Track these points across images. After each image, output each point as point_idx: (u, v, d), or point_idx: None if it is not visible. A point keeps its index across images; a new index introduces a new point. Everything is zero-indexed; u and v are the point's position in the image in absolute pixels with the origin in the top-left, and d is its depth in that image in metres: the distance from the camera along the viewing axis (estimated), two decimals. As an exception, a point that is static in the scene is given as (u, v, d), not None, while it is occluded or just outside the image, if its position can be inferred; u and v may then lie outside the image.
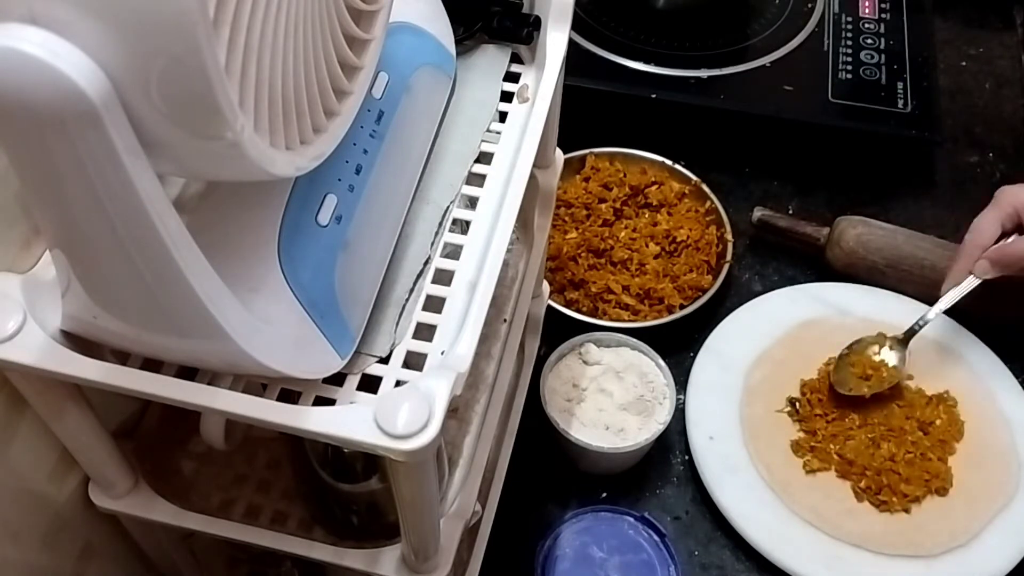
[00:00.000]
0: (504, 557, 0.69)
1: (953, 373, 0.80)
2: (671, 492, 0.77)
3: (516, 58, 0.55)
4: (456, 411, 0.58)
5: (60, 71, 0.26)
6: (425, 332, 0.45)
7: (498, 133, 0.52)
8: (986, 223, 0.76)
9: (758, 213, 0.90)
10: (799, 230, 0.90)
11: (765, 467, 0.75)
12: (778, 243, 0.91)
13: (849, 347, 0.80)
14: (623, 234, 0.88)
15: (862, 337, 0.80)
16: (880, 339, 0.80)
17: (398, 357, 0.44)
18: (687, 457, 0.78)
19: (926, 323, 0.79)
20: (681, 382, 0.80)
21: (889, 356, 0.79)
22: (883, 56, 0.98)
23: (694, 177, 0.91)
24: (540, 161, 0.60)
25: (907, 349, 0.79)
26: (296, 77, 0.34)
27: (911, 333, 0.80)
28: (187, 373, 0.41)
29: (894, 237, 0.86)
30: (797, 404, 0.78)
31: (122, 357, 0.43)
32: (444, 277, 0.46)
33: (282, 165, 0.34)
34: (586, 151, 0.92)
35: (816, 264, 0.90)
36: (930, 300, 0.85)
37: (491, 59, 0.55)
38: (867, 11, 1.03)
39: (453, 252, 0.48)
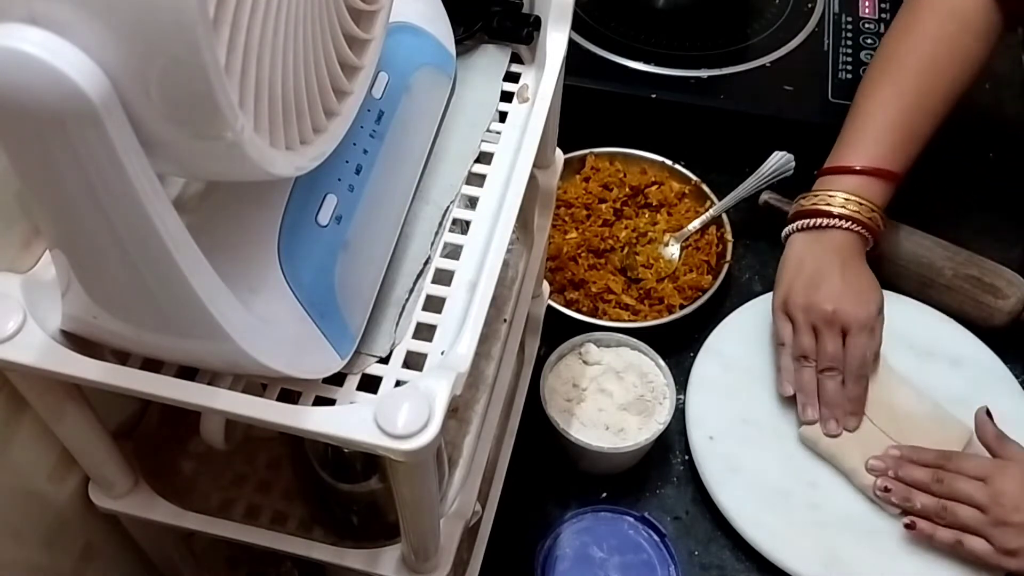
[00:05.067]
0: (504, 557, 0.69)
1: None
2: (671, 492, 0.77)
3: (516, 58, 0.55)
4: (456, 411, 0.58)
5: (60, 71, 0.26)
6: (425, 332, 0.45)
7: (498, 133, 0.52)
8: (867, 355, 0.75)
9: (765, 196, 0.90)
10: None
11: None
12: (782, 229, 0.91)
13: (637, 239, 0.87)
14: (623, 234, 0.88)
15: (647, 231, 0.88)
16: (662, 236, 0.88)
17: (398, 357, 0.44)
18: (687, 457, 0.78)
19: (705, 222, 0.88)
20: (681, 382, 0.80)
21: (668, 251, 0.87)
22: (883, 56, 0.97)
23: (694, 177, 0.91)
24: (540, 161, 0.60)
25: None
26: (296, 77, 0.34)
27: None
28: (187, 373, 0.41)
29: (895, 232, 0.86)
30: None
31: (122, 357, 0.43)
32: (444, 277, 0.46)
33: (282, 165, 0.34)
34: (586, 151, 0.92)
35: (816, 264, 0.90)
36: (926, 298, 0.85)
37: (491, 59, 0.55)
38: (867, 11, 1.03)
39: (453, 252, 0.48)
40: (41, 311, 0.41)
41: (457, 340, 0.42)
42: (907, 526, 0.71)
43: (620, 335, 0.78)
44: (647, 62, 0.97)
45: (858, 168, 0.77)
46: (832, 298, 0.75)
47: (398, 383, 0.43)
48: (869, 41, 0.99)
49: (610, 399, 0.75)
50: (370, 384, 0.43)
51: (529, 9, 0.54)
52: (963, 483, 0.70)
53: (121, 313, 0.38)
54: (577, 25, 1.00)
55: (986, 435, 0.74)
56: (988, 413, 0.74)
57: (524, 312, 0.67)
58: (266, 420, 0.39)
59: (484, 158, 0.51)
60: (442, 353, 0.43)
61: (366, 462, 0.50)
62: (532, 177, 0.60)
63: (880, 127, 0.78)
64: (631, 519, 0.72)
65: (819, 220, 0.77)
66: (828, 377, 0.75)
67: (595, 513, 0.73)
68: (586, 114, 0.88)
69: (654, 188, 0.91)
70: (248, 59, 0.30)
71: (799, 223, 0.79)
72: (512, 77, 0.54)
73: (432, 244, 0.48)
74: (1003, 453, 0.73)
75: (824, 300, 0.75)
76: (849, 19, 1.02)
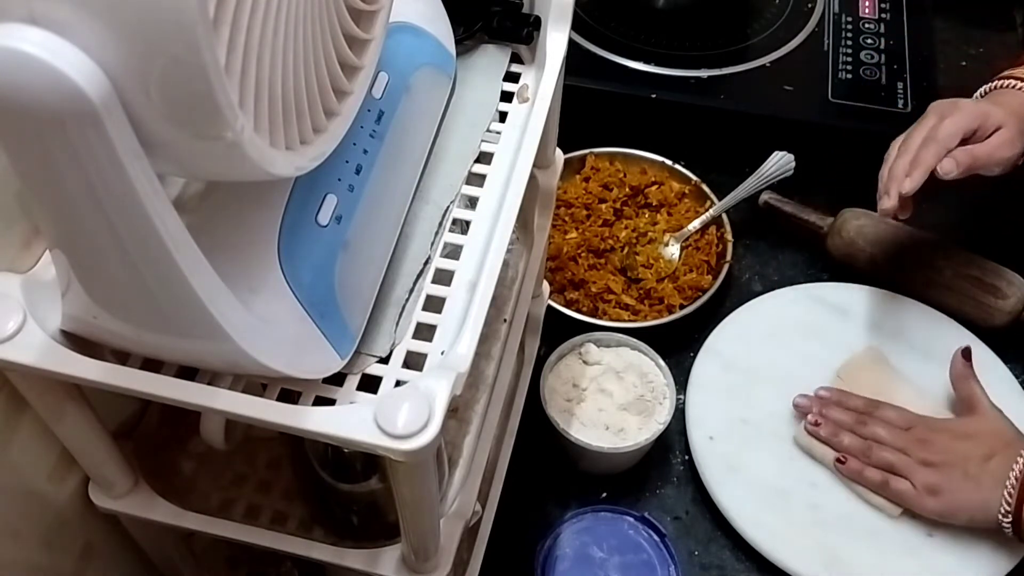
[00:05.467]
0: (504, 557, 0.69)
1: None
2: (671, 492, 0.77)
3: (516, 58, 0.55)
4: (456, 411, 0.58)
5: (60, 71, 0.26)
6: (425, 332, 0.45)
7: (498, 133, 0.52)
8: (954, 128, 0.72)
9: (765, 196, 0.91)
10: (803, 217, 0.90)
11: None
12: (782, 228, 0.91)
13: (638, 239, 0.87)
14: (623, 234, 0.88)
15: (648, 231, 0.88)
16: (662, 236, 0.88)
17: (398, 357, 0.44)
18: (687, 457, 0.78)
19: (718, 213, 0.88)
20: (681, 382, 0.80)
21: (668, 251, 0.87)
22: (883, 56, 0.97)
23: (694, 177, 0.91)
24: (540, 161, 0.60)
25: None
26: (296, 77, 0.34)
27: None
28: (187, 373, 0.41)
29: (896, 232, 0.87)
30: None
31: (122, 357, 0.43)
32: (444, 277, 0.46)
33: (282, 165, 0.34)
34: (586, 151, 0.92)
35: (816, 264, 0.90)
36: (927, 297, 0.85)
37: (491, 59, 0.55)
38: (867, 11, 1.03)
39: (453, 252, 0.48)
40: (41, 311, 0.41)
41: (457, 340, 0.42)
42: (838, 460, 0.74)
43: (620, 335, 0.78)
44: (647, 62, 0.97)
45: None
46: (963, 102, 0.74)
47: (398, 383, 0.43)
48: (869, 41, 0.99)
49: (610, 399, 0.75)
50: (370, 384, 0.43)
51: (529, 9, 0.54)
52: (884, 428, 0.74)
53: (121, 313, 0.38)
54: (577, 25, 1.00)
55: (954, 369, 0.77)
56: (967, 353, 0.77)
57: (524, 312, 0.67)
58: (266, 420, 0.39)
59: (484, 158, 0.51)
60: (442, 353, 0.43)
61: (366, 462, 0.50)
62: (532, 177, 0.60)
63: None
64: (631, 519, 0.72)
65: (1014, 82, 0.76)
66: (903, 153, 0.73)
67: (595, 513, 0.73)
68: (586, 114, 0.88)
69: (654, 188, 0.91)
70: (248, 59, 0.30)
71: (996, 83, 0.77)
72: (512, 77, 0.54)
73: (432, 244, 0.48)
74: (963, 391, 0.76)
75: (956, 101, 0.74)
76: (849, 19, 1.02)
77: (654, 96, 0.94)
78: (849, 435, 0.74)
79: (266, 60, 0.32)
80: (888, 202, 0.72)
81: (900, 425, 0.74)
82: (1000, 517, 0.67)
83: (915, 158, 0.72)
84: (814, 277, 0.89)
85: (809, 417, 0.76)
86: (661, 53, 0.97)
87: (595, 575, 0.70)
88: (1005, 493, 0.67)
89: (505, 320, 0.61)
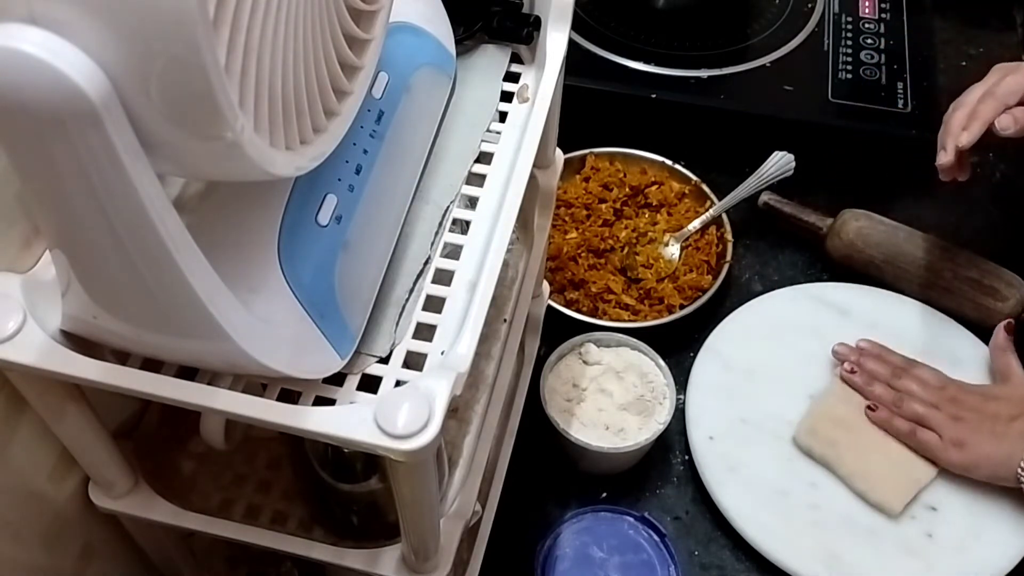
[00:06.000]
0: (504, 557, 0.69)
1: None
2: (671, 492, 0.77)
3: (516, 58, 0.55)
4: (456, 411, 0.58)
5: (60, 71, 0.26)
6: (425, 332, 0.45)
7: (498, 133, 0.52)
8: (1016, 86, 0.71)
9: (764, 197, 0.91)
10: (803, 217, 0.90)
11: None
12: (782, 229, 0.91)
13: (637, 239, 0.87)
14: (623, 234, 0.88)
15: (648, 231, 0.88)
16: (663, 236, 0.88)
17: (398, 357, 0.44)
18: (687, 457, 0.78)
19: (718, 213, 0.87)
20: (681, 382, 0.80)
21: (668, 251, 0.87)
22: (883, 56, 0.97)
23: (694, 177, 0.91)
24: (540, 161, 0.60)
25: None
26: (296, 77, 0.34)
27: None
28: (187, 373, 0.41)
29: (895, 234, 0.87)
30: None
31: (122, 357, 0.43)
32: (444, 277, 0.46)
33: (282, 165, 0.34)
34: (586, 151, 0.92)
35: (816, 264, 0.90)
36: (926, 299, 0.85)
37: (491, 59, 0.55)
38: (867, 11, 1.03)
39: (453, 252, 0.48)
40: (41, 311, 0.41)
41: (457, 340, 0.42)
42: (869, 407, 0.76)
43: (620, 335, 0.78)
44: (647, 62, 0.97)
45: None
46: None
47: (398, 383, 0.43)
48: (869, 41, 0.99)
49: (610, 399, 0.75)
50: (370, 384, 0.43)
51: (529, 9, 0.54)
52: (917, 384, 0.76)
53: (121, 313, 0.38)
54: (577, 25, 1.00)
55: (995, 340, 0.78)
56: (1012, 328, 0.78)
57: (524, 312, 0.67)
58: (266, 420, 0.39)
59: (484, 158, 0.51)
60: (442, 353, 0.43)
61: (366, 462, 0.50)
62: (532, 177, 0.60)
63: None
64: (631, 519, 0.72)
65: None
66: (960, 107, 0.73)
67: (595, 513, 0.73)
68: (586, 114, 0.88)
69: (654, 188, 0.91)
70: (248, 59, 0.30)
71: None
72: (512, 77, 0.54)
73: (432, 244, 0.48)
74: (1000, 361, 0.77)
75: (1020, 64, 0.73)
76: (849, 19, 1.02)
77: (654, 96, 0.94)
78: (882, 385, 0.76)
79: (266, 60, 0.32)
80: (944, 156, 0.73)
81: (933, 384, 0.76)
82: (1019, 472, 0.69)
83: (973, 112, 0.72)
84: (814, 277, 0.89)
85: (845, 364, 0.78)
86: (661, 53, 0.97)
87: (595, 575, 0.70)
88: None
89: (505, 320, 0.61)
